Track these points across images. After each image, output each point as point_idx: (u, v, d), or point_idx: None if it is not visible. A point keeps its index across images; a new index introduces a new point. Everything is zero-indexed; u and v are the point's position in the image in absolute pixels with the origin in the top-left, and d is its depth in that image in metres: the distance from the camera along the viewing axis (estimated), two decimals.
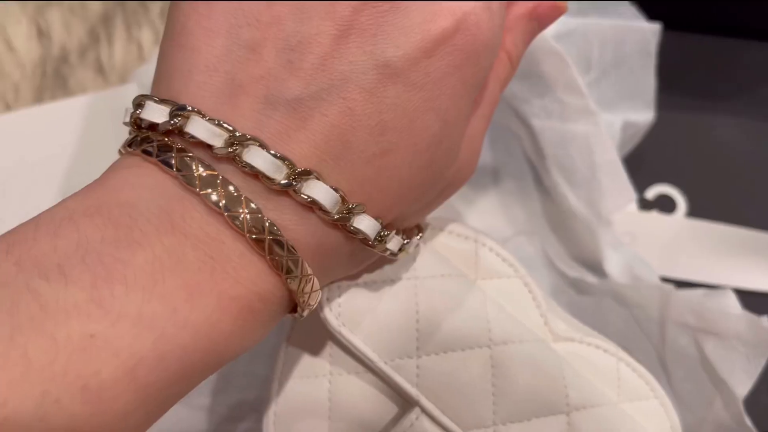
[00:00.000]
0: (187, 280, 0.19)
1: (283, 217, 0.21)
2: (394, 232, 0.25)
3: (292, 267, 0.21)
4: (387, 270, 0.28)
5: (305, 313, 0.24)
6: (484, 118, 0.26)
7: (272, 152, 0.21)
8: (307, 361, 0.29)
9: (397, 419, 0.28)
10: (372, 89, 0.21)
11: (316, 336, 0.29)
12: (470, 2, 0.22)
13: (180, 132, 0.21)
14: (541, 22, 0.28)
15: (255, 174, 0.21)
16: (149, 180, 0.21)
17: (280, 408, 0.29)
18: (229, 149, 0.21)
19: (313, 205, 0.21)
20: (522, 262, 0.41)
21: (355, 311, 0.28)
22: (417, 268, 0.29)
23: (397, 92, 0.22)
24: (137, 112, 0.22)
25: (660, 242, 0.44)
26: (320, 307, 0.28)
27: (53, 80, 0.46)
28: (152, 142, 0.21)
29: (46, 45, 0.47)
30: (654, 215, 0.45)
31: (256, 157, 0.21)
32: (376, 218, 0.23)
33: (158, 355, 0.19)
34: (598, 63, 0.41)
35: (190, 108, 0.21)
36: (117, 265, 0.19)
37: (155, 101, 0.21)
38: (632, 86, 0.42)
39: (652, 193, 0.46)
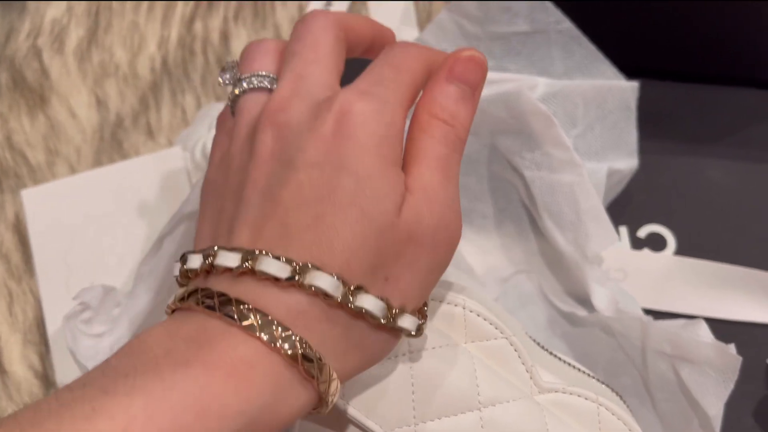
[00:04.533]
0: (177, 358, 0.25)
1: (246, 293, 0.26)
2: (365, 291, 0.27)
3: (263, 327, 0.25)
4: None
5: (316, 377, 0.26)
6: (437, 172, 0.29)
7: (229, 248, 0.27)
8: (321, 429, 0.33)
9: None
10: (289, 181, 0.28)
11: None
12: (345, 96, 0.28)
13: (185, 274, 0.29)
14: (466, 81, 0.30)
15: (222, 270, 0.27)
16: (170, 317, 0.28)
17: None
18: (205, 261, 0.28)
19: (265, 276, 0.26)
20: (521, 298, 0.46)
21: (358, 390, 0.31)
22: (411, 344, 0.32)
23: (308, 175, 0.27)
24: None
25: (649, 278, 0.48)
26: None
27: (110, 143, 0.52)
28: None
29: (104, 112, 0.53)
30: (644, 253, 0.49)
31: (223, 259, 0.27)
32: (336, 276, 0.26)
33: (149, 415, 0.23)
34: (583, 119, 0.45)
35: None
36: (123, 367, 0.25)
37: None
38: (616, 138, 0.47)
39: (643, 232, 0.50)
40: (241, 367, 0.25)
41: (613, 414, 0.34)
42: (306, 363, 0.25)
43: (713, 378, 0.39)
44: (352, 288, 0.27)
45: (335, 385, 0.27)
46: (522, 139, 0.43)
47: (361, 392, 0.31)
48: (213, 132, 0.50)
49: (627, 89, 0.46)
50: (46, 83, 0.53)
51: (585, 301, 0.44)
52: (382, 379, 0.32)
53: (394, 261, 0.28)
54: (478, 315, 0.34)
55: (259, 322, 0.25)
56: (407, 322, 0.28)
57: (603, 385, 0.36)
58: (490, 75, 0.44)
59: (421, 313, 0.30)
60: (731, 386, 0.39)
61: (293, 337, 0.25)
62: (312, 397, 0.27)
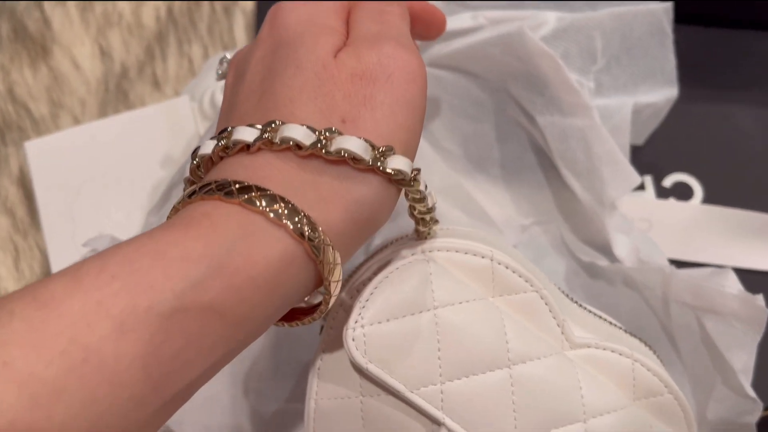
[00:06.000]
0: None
1: (219, 172, 0.27)
2: (339, 134, 0.26)
3: (220, 187, 0.25)
4: (407, 303, 0.30)
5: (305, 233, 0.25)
6: (375, 24, 0.30)
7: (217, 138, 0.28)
8: (339, 388, 0.31)
9: None
10: (242, 88, 0.29)
11: (344, 367, 0.31)
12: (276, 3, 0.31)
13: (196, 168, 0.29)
14: None
15: (207, 166, 0.28)
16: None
17: (318, 425, 0.32)
18: (193, 162, 0.28)
19: (239, 148, 0.27)
20: (539, 251, 0.44)
21: (380, 346, 0.30)
22: (435, 298, 0.30)
23: (252, 72, 0.29)
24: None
25: (676, 228, 0.46)
26: (347, 346, 0.30)
27: (115, 95, 0.51)
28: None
29: (108, 63, 0.52)
30: (670, 202, 0.47)
31: (203, 150, 0.28)
32: (303, 125, 0.26)
33: (102, 264, 0.22)
34: (605, 51, 0.42)
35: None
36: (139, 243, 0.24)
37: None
38: (648, 67, 0.43)
39: (669, 181, 0.48)
40: (199, 219, 0.24)
41: (648, 370, 0.32)
42: (271, 205, 0.25)
43: (739, 330, 0.37)
44: (323, 134, 0.26)
45: (319, 231, 0.25)
46: (532, 83, 0.41)
47: (383, 349, 0.30)
48: (223, 82, 0.48)
49: (658, 12, 0.43)
50: (48, 33, 0.52)
51: (606, 251, 0.42)
52: (406, 336, 0.30)
53: (344, 102, 0.27)
54: (507, 267, 0.32)
55: (215, 184, 0.25)
56: (400, 162, 0.27)
57: (636, 340, 0.34)
58: (495, 14, 0.42)
59: (414, 167, 0.28)
60: (758, 339, 0.37)
61: (251, 188, 0.25)
62: (291, 245, 0.25)
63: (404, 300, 0.30)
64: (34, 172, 0.47)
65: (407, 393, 0.30)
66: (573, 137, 0.40)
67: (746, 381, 0.37)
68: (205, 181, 0.26)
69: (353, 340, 0.30)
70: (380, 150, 0.26)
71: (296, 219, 0.25)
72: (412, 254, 0.32)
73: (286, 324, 0.29)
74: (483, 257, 0.32)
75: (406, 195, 0.29)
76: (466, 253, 0.32)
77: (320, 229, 0.25)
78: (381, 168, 0.26)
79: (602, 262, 0.42)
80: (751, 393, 0.37)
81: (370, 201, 0.27)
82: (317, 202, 0.26)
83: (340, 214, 0.26)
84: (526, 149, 0.45)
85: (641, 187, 0.48)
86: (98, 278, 0.22)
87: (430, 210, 0.30)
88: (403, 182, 0.27)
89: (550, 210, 0.45)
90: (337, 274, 0.26)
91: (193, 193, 0.26)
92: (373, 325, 0.30)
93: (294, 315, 0.29)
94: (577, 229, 0.44)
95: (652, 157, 0.48)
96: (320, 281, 0.27)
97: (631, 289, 0.41)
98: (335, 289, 0.26)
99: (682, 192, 0.48)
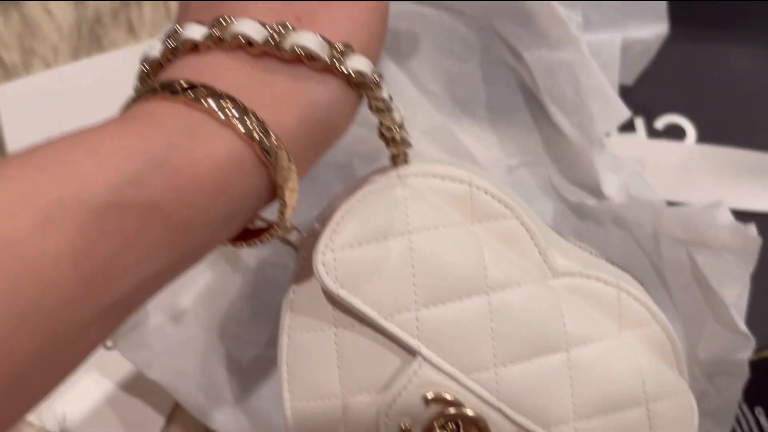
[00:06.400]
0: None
1: (169, 72, 0.25)
2: (289, 28, 0.25)
3: (165, 86, 0.24)
4: (380, 227, 0.29)
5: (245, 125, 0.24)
6: None
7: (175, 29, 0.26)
8: (312, 320, 0.30)
9: (402, 368, 0.29)
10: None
11: (317, 298, 0.30)
12: None
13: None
14: None
15: (155, 70, 0.26)
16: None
17: (291, 359, 0.31)
18: (143, 69, 0.27)
19: (188, 47, 0.25)
20: (526, 193, 0.43)
21: (352, 271, 0.28)
22: (410, 222, 0.29)
23: None
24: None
25: (669, 168, 0.44)
26: (317, 271, 0.29)
27: (89, 41, 0.49)
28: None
29: (81, 9, 0.50)
30: (662, 142, 0.46)
31: (153, 53, 0.26)
32: (254, 20, 0.25)
33: (28, 158, 0.21)
34: None
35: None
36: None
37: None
38: (638, 1, 0.42)
39: (661, 123, 0.47)
40: (141, 116, 0.23)
41: (635, 300, 0.31)
42: (218, 103, 0.23)
43: (731, 263, 0.36)
44: (276, 27, 0.24)
45: (270, 133, 0.24)
46: (518, 17, 0.39)
47: (355, 275, 0.28)
48: None
49: None
50: None
51: (595, 192, 0.41)
52: (379, 261, 0.29)
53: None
54: (486, 192, 0.30)
55: (159, 84, 0.24)
56: (359, 62, 0.25)
57: (623, 271, 0.33)
58: None
59: (376, 71, 0.26)
60: (750, 269, 0.36)
61: (197, 86, 0.23)
62: (239, 146, 0.23)
63: (377, 224, 0.29)
64: (5, 117, 0.45)
65: (380, 320, 0.28)
66: (561, 71, 0.38)
67: (738, 316, 0.36)
68: (161, 78, 0.24)
69: (323, 265, 0.28)
70: (338, 48, 0.25)
71: (245, 118, 0.23)
72: (387, 179, 0.30)
73: (244, 244, 0.27)
74: (461, 182, 0.30)
75: (370, 106, 0.27)
76: (443, 179, 0.30)
77: (272, 131, 0.23)
78: (339, 68, 0.25)
79: (591, 201, 0.41)
80: (743, 328, 0.36)
81: (327, 103, 0.25)
82: (269, 102, 0.24)
83: (294, 116, 0.24)
84: (514, 90, 0.43)
85: (632, 128, 0.46)
86: (24, 169, 0.20)
87: (400, 127, 0.28)
88: (363, 86, 0.25)
89: (538, 151, 0.43)
90: (293, 182, 0.24)
91: (139, 97, 0.24)
92: (345, 250, 0.29)
93: (253, 235, 0.28)
94: (566, 171, 0.43)
95: (643, 98, 0.47)
96: (274, 191, 0.25)
97: (620, 229, 0.40)
98: (291, 198, 0.25)
99: (675, 134, 0.46)
